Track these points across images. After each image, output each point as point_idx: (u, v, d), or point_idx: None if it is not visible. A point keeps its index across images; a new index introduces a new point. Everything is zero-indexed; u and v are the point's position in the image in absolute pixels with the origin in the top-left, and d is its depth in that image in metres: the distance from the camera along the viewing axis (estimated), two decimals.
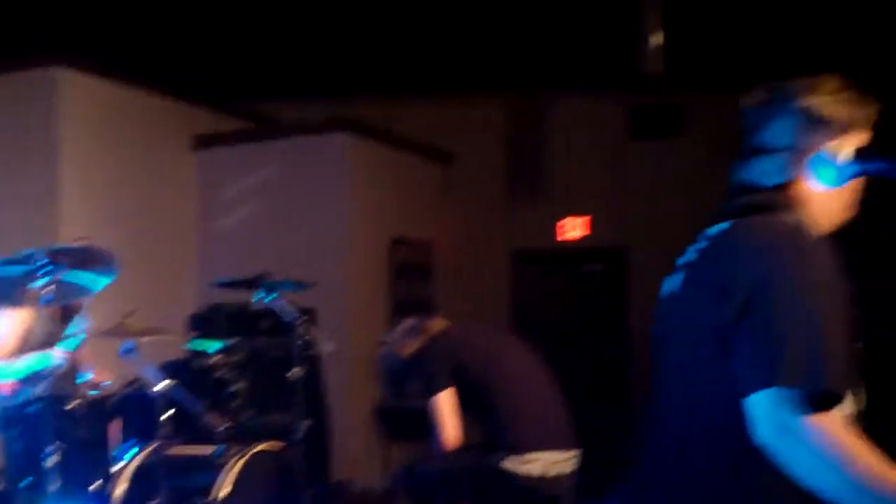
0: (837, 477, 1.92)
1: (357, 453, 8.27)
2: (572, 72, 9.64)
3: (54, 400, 4.78)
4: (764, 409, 1.96)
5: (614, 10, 8.12)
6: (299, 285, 5.82)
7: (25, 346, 5.25)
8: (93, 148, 7.98)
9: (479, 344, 4.57)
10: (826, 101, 2.27)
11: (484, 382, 4.41)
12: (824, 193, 2.27)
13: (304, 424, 5.59)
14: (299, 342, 5.65)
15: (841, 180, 2.23)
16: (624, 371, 10.33)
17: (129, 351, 5.23)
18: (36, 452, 4.79)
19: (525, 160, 10.28)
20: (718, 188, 9.08)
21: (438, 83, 9.93)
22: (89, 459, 5.10)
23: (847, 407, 2.05)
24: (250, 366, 5.99)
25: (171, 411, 4.89)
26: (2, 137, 7.74)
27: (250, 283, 5.62)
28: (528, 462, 4.24)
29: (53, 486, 4.60)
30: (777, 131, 2.30)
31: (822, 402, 1.94)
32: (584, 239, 10.36)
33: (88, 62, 7.94)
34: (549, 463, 4.28)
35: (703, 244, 2.33)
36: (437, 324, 4.73)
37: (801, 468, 1.95)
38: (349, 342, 7.84)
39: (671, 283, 2.42)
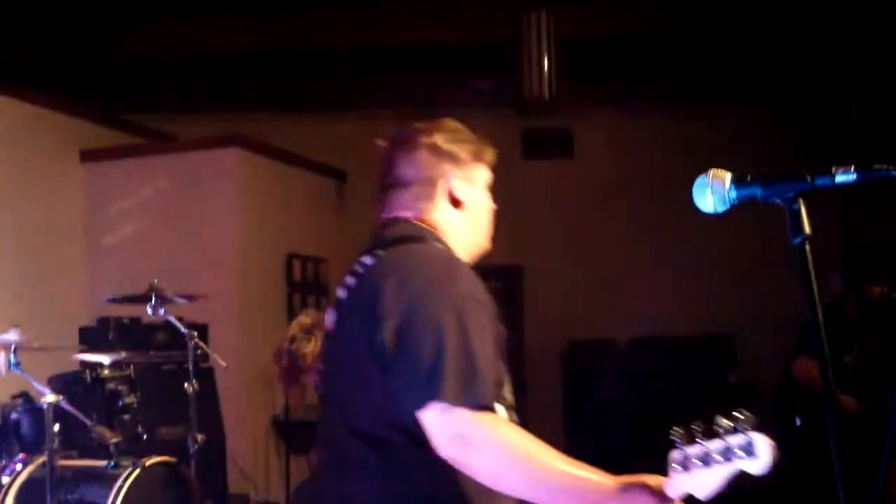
0: (519, 475, 2.05)
1: (253, 467, 8.17)
2: (464, 88, 9.74)
3: None
4: (437, 425, 2.07)
5: (505, 32, 8.23)
6: (189, 298, 5.75)
7: None
8: None
9: None
10: (446, 137, 2.51)
11: None
12: (457, 220, 2.50)
13: (199, 438, 5.51)
14: (192, 356, 5.59)
15: None
16: (521, 386, 10.38)
17: (14, 364, 5.09)
18: None
19: None
20: (608, 209, 9.31)
21: (329, 97, 9.93)
22: None
23: (502, 412, 2.20)
24: (143, 379, 5.89)
25: (60, 425, 4.74)
26: None
27: (141, 298, 5.53)
28: None
29: None
30: (408, 167, 2.50)
31: (482, 411, 2.07)
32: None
33: None
34: None
35: (353, 279, 2.40)
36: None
37: (484, 473, 2.08)
38: (244, 357, 7.74)
39: (329, 319, 2.49)
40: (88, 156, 8.96)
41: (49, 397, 4.72)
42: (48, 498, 4.55)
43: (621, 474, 2.07)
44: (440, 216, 2.47)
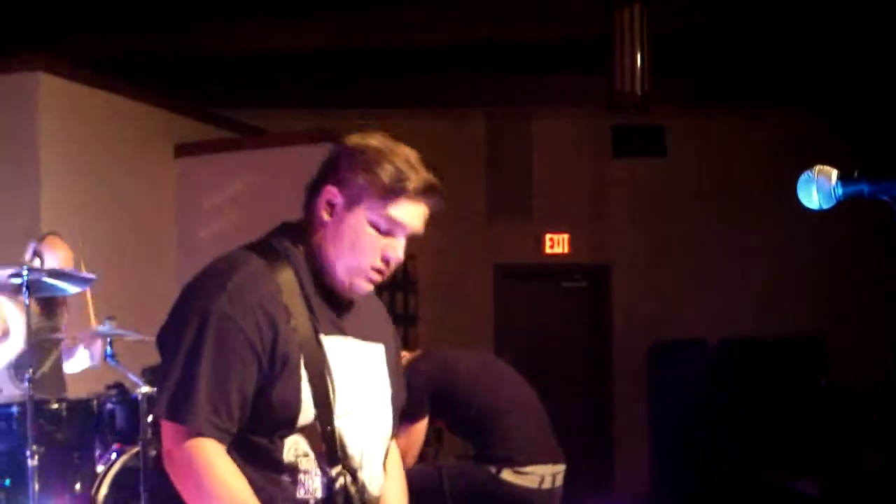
0: (188, 493, 2.09)
1: None
2: (555, 86, 9.67)
3: (37, 401, 4.73)
4: (164, 436, 2.12)
5: (597, 28, 8.14)
6: None
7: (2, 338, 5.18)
8: (73, 152, 7.89)
9: (460, 367, 4.57)
10: (373, 151, 2.23)
11: (473, 402, 4.41)
12: (331, 231, 2.25)
13: None
14: None
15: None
16: (606, 385, 10.33)
17: (110, 356, 5.19)
18: (17, 454, 4.74)
19: (508, 175, 10.28)
20: (699, 208, 9.19)
21: (424, 96, 9.92)
22: (71, 462, 5.05)
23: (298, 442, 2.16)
24: None
25: (153, 416, 4.82)
26: None
27: None
28: (525, 474, 4.26)
29: (34, 488, 4.54)
30: (320, 169, 2.33)
31: (192, 434, 2.07)
32: (567, 255, 10.36)
33: (70, 66, 7.87)
34: (542, 476, 4.30)
35: None
36: (410, 353, 4.69)
37: (181, 491, 2.11)
38: None
39: None
40: (182, 150, 9.08)
41: (143, 388, 4.79)
42: (141, 487, 4.62)
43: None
44: (320, 221, 2.28)
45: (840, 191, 1.99)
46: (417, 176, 2.20)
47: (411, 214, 2.23)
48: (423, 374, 4.41)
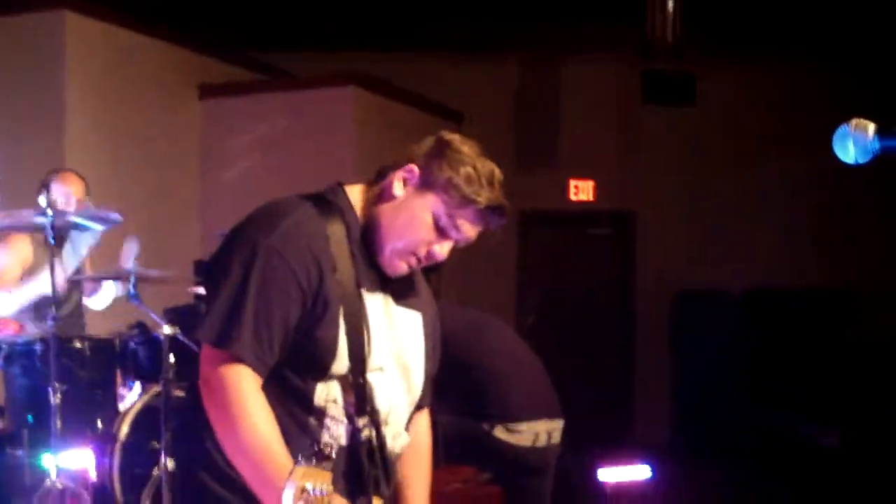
0: (223, 430, 2.10)
1: None
2: (586, 33, 9.56)
3: (60, 339, 4.74)
4: (203, 361, 2.15)
5: None
6: None
7: (26, 277, 5.19)
8: (98, 91, 7.88)
9: (456, 323, 4.51)
10: (461, 154, 2.28)
11: (467, 358, 4.36)
12: (394, 205, 2.29)
13: None
14: None
15: None
16: (629, 334, 10.31)
17: (133, 295, 5.19)
18: (39, 391, 4.77)
19: (536, 121, 10.21)
20: (728, 157, 9.09)
21: (452, 39, 9.82)
22: (93, 400, 5.08)
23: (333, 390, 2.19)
24: None
25: (175, 356, 4.83)
26: (9, 78, 7.63)
27: None
28: (518, 432, 4.23)
29: (56, 425, 4.57)
30: (409, 148, 2.36)
31: (233, 362, 2.10)
32: (592, 202, 10.30)
33: (96, 5, 7.84)
34: (536, 433, 4.27)
35: None
36: None
37: (211, 417, 2.13)
38: None
39: None
40: (207, 91, 9.05)
41: (165, 329, 4.79)
42: (162, 427, 4.64)
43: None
44: (372, 193, 2.34)
45: (877, 145, 1.95)
46: (493, 195, 2.26)
47: (472, 225, 2.30)
48: None
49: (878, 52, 9.55)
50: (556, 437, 4.35)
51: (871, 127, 1.95)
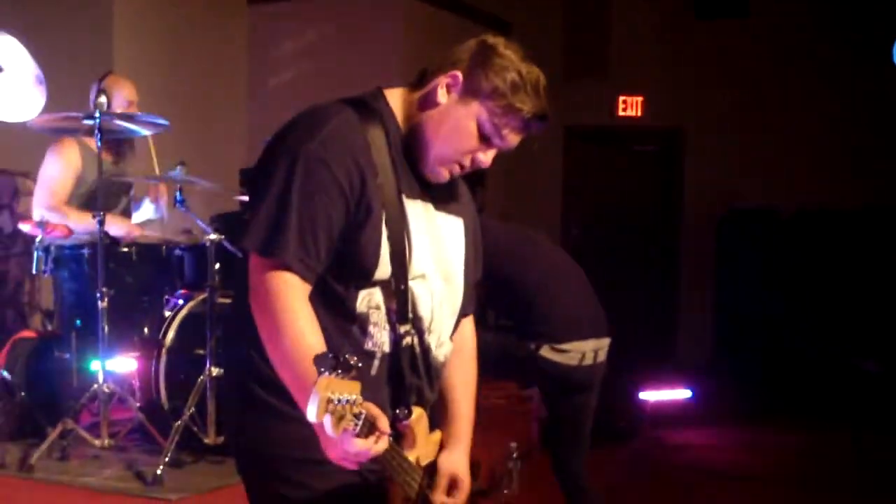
0: (268, 339, 2.07)
1: None
2: None
3: (107, 243, 4.76)
4: (252, 270, 2.11)
5: None
6: None
7: (80, 186, 5.20)
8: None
9: (499, 239, 4.47)
10: (505, 58, 2.21)
11: (513, 275, 4.32)
12: (438, 112, 2.23)
13: None
14: None
15: None
16: (674, 252, 10.26)
17: (180, 202, 5.19)
18: (87, 295, 4.81)
19: (585, 33, 10.05)
20: (781, 73, 8.88)
21: None
22: (140, 305, 5.13)
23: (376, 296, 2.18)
24: None
25: (221, 263, 4.84)
26: None
27: None
28: (564, 352, 4.20)
29: (104, 329, 4.62)
30: (451, 52, 2.28)
31: (279, 268, 2.07)
32: (641, 118, 10.17)
33: None
34: (583, 352, 4.24)
35: None
36: None
37: (258, 325, 2.10)
38: None
39: None
40: None
41: (212, 236, 4.80)
42: (208, 333, 4.67)
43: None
44: (413, 98, 2.28)
45: None
46: (538, 102, 2.21)
47: (515, 133, 2.25)
48: None
49: None
50: (602, 356, 4.33)
51: None
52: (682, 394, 7.66)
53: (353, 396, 1.76)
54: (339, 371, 1.76)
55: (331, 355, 1.77)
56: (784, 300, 9.35)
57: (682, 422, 7.47)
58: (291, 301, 2.07)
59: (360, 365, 1.79)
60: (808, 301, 9.25)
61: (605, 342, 4.33)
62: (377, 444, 1.88)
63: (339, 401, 1.73)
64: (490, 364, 4.30)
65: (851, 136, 9.58)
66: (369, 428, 1.83)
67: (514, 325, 4.33)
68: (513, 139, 2.26)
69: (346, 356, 1.78)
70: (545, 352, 4.18)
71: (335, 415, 1.74)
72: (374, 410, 1.87)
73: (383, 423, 1.89)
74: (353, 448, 1.84)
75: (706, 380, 8.41)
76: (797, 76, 9.77)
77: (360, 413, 1.78)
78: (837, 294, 9.18)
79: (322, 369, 1.75)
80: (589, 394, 4.34)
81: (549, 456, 4.47)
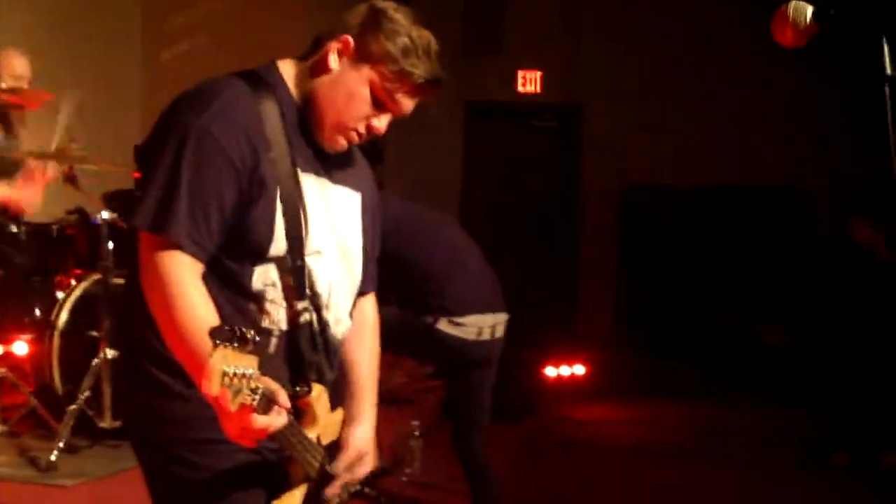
0: (160, 316, 2.04)
1: None
2: None
3: None
4: (142, 248, 2.08)
5: None
6: None
7: None
8: None
9: (394, 214, 4.46)
10: (396, 23, 2.20)
11: (410, 251, 4.32)
12: (330, 80, 2.22)
13: None
14: None
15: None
16: (575, 226, 10.34)
17: (71, 179, 5.06)
18: None
19: (483, 9, 10.04)
20: (678, 46, 8.92)
21: None
22: (31, 286, 4.99)
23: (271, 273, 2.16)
24: None
25: (114, 242, 4.73)
26: None
27: None
28: (461, 325, 4.21)
29: None
30: (341, 18, 2.27)
31: (169, 247, 2.04)
32: (539, 94, 10.21)
33: None
34: (480, 327, 4.26)
35: None
36: None
37: (150, 301, 2.06)
38: None
39: None
40: None
41: (104, 214, 4.69)
42: (102, 314, 4.58)
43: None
44: (306, 67, 2.26)
45: (815, 28, 1.94)
46: (430, 67, 2.21)
47: (409, 98, 2.25)
48: None
49: None
50: (500, 331, 4.35)
51: (810, 10, 1.94)
52: (580, 368, 7.74)
53: (251, 371, 1.72)
54: (236, 343, 1.71)
55: (226, 327, 1.73)
56: (685, 274, 9.50)
57: (582, 397, 7.54)
58: (182, 277, 2.03)
59: (257, 339, 1.76)
60: (709, 275, 9.41)
61: (503, 317, 4.35)
62: (276, 420, 1.85)
63: (235, 374, 1.69)
64: (390, 339, 4.30)
65: (746, 113, 9.73)
66: (267, 403, 1.79)
67: (410, 300, 4.32)
68: (407, 104, 2.25)
69: (243, 329, 1.75)
70: (442, 325, 4.19)
71: (232, 388, 1.70)
72: (273, 385, 1.85)
73: (282, 397, 1.86)
74: (251, 424, 1.80)
75: (607, 354, 8.51)
76: (691, 49, 9.86)
77: (258, 388, 1.74)
78: (737, 267, 9.35)
79: (217, 341, 1.70)
80: (487, 369, 4.36)
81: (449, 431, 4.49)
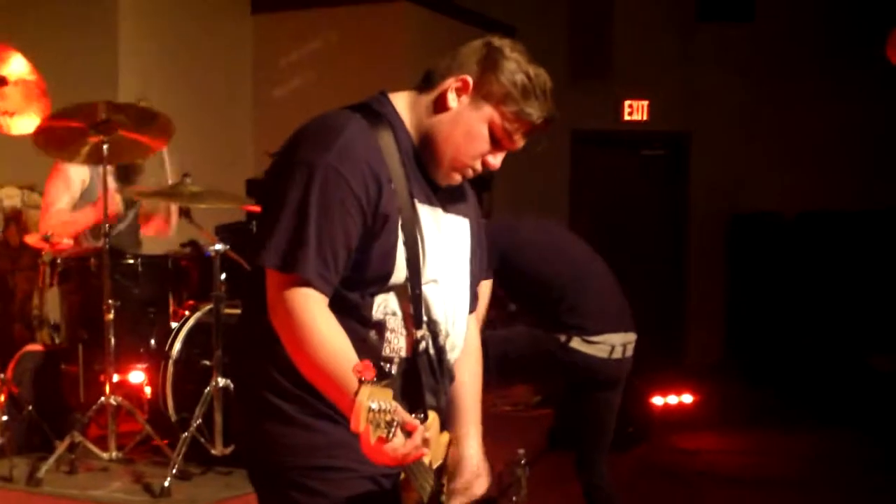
0: (296, 353, 2.07)
1: None
2: None
3: (113, 255, 4.77)
4: (270, 286, 2.11)
5: None
6: None
7: (84, 201, 5.22)
8: (150, 12, 7.86)
9: (528, 234, 4.46)
10: (516, 62, 2.21)
11: (540, 270, 4.32)
12: (450, 117, 2.24)
13: None
14: None
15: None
16: (683, 255, 10.24)
17: (185, 213, 5.21)
18: (94, 307, 4.81)
19: (590, 37, 10.03)
20: (786, 76, 8.85)
21: None
22: (146, 317, 5.12)
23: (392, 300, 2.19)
24: None
25: (226, 273, 4.84)
26: None
27: None
28: (594, 343, 4.19)
29: (111, 342, 4.62)
30: (456, 53, 2.29)
31: (299, 284, 2.07)
32: (646, 122, 10.15)
33: None
34: (613, 345, 4.24)
35: None
36: None
37: (284, 342, 2.10)
38: None
39: None
40: (260, 6, 9.00)
41: (217, 246, 4.79)
42: (214, 343, 4.67)
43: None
44: (420, 102, 2.28)
45: None
46: (546, 105, 2.24)
47: (524, 136, 2.27)
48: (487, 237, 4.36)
49: None
50: (630, 351, 4.32)
51: None
52: (690, 397, 7.63)
53: (391, 404, 1.78)
54: (376, 378, 1.78)
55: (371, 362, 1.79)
56: (792, 302, 9.33)
57: (691, 426, 7.44)
58: (314, 312, 2.07)
59: (392, 372, 1.81)
60: (817, 302, 9.23)
61: (633, 337, 4.34)
62: (406, 447, 1.89)
63: (379, 409, 1.76)
64: (517, 359, 4.31)
65: (856, 139, 9.56)
66: (401, 432, 1.85)
67: (541, 317, 4.31)
68: (521, 141, 2.28)
69: (383, 362, 1.80)
70: (576, 343, 4.18)
71: (374, 423, 1.77)
72: (407, 416, 1.90)
73: (414, 423, 1.91)
74: (387, 453, 1.86)
75: (715, 383, 8.38)
76: (801, 79, 9.74)
77: (393, 421, 1.80)
78: (846, 294, 9.16)
79: (363, 378, 1.76)
80: (615, 390, 4.35)
81: (574, 455, 4.46)
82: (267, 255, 2.09)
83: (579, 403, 4.44)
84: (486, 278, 4.18)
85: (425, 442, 2.16)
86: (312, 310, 2.07)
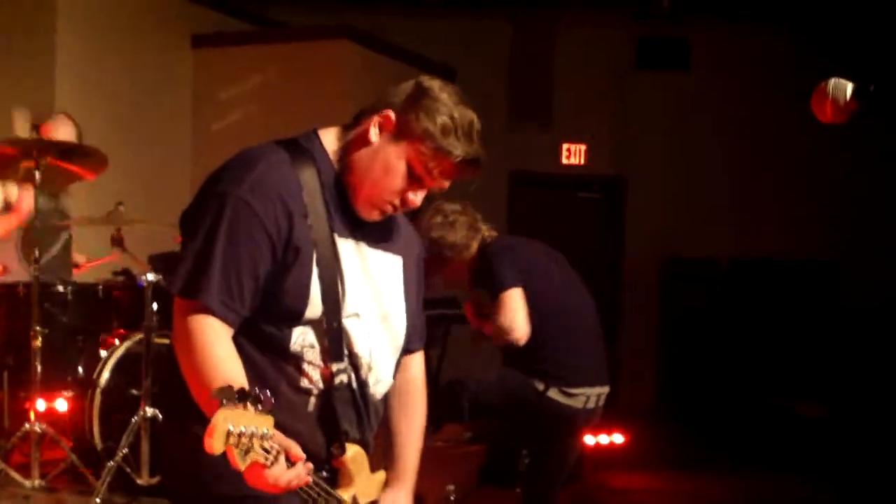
0: (190, 378, 2.09)
1: None
2: None
3: (42, 283, 4.73)
4: (175, 312, 2.14)
5: None
6: None
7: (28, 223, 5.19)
8: (90, 38, 7.83)
9: (541, 265, 4.50)
10: (439, 101, 2.22)
11: (540, 308, 4.29)
12: (369, 153, 2.25)
13: None
14: None
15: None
16: (617, 298, 10.33)
17: (118, 241, 5.18)
18: (21, 334, 4.76)
19: (530, 81, 10.15)
20: (721, 122, 9.01)
21: None
22: (74, 345, 5.08)
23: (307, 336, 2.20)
24: None
25: (158, 303, 4.82)
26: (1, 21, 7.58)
27: None
28: (572, 395, 4.24)
29: (37, 369, 4.57)
30: (386, 92, 2.31)
31: (200, 311, 2.09)
32: (583, 166, 10.27)
33: None
34: (588, 396, 4.30)
35: None
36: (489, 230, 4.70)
37: (180, 363, 2.13)
38: None
39: None
40: (200, 41, 8.99)
41: (149, 275, 4.78)
42: (143, 372, 4.64)
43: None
44: (346, 138, 2.30)
45: (854, 105, 1.93)
46: (470, 147, 2.22)
47: (446, 176, 2.26)
48: (501, 249, 4.42)
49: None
50: (602, 401, 4.38)
51: (850, 87, 1.94)
52: (620, 437, 7.67)
53: (263, 430, 1.77)
54: (249, 404, 1.76)
55: (236, 388, 1.77)
56: (723, 347, 9.45)
57: (621, 465, 7.48)
58: (209, 338, 2.09)
59: (272, 399, 1.80)
60: (749, 348, 9.35)
61: (606, 389, 4.40)
62: (288, 474, 1.89)
63: (242, 433, 1.74)
64: (487, 403, 4.34)
65: (786, 187, 9.76)
66: (283, 459, 1.85)
67: (520, 358, 4.29)
68: (443, 181, 2.27)
69: (258, 390, 1.79)
70: (553, 394, 4.22)
71: (240, 447, 1.75)
72: (285, 441, 1.89)
73: (295, 450, 1.91)
74: (267, 479, 1.85)
75: (647, 425, 8.44)
76: (736, 128, 9.93)
77: (272, 447, 1.81)
78: (777, 341, 9.29)
79: (224, 401, 1.75)
80: (581, 435, 4.40)
81: (522, 493, 4.48)
82: (173, 282, 2.13)
83: (547, 446, 4.47)
84: (504, 288, 4.16)
85: (346, 473, 2.18)
86: (209, 336, 2.09)
